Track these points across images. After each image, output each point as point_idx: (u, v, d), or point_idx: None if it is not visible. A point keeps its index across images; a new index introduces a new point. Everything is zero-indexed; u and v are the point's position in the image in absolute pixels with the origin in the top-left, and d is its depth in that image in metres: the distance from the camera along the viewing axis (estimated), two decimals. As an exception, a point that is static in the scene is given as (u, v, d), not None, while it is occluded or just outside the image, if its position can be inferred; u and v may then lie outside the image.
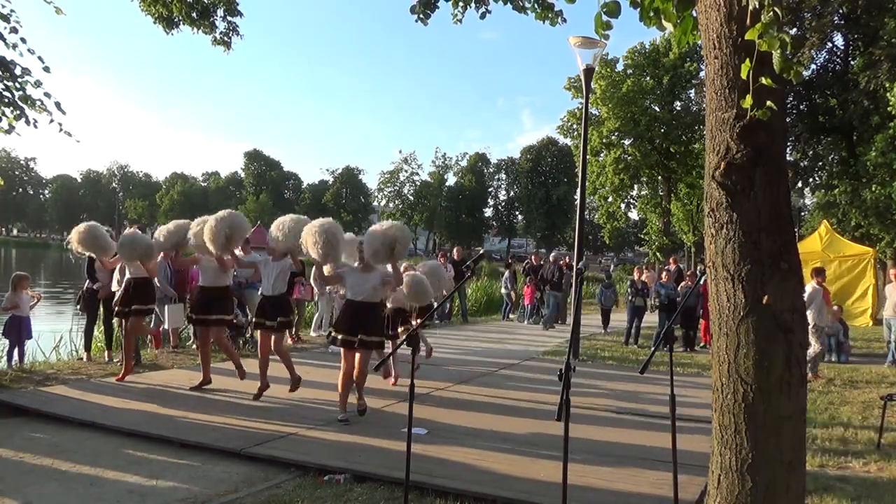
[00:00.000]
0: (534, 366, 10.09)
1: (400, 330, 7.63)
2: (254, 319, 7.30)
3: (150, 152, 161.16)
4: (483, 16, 6.53)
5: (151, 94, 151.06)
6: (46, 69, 6.92)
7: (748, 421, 2.75)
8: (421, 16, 6.47)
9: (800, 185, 27.77)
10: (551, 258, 17.56)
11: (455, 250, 17.75)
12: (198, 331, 7.75)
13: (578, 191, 12.33)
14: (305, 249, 6.58)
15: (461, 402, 7.18)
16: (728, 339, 2.81)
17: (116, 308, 7.62)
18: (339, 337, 6.22)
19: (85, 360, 8.73)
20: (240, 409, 6.39)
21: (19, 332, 8.12)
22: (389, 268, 6.52)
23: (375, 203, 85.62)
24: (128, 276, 7.61)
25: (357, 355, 6.20)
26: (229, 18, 8.12)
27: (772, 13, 2.44)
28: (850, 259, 17.20)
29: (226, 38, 8.18)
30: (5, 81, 6.78)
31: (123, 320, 7.66)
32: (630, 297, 13.23)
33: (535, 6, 6.38)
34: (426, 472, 4.59)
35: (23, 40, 6.78)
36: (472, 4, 6.44)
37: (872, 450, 5.72)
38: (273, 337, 6.83)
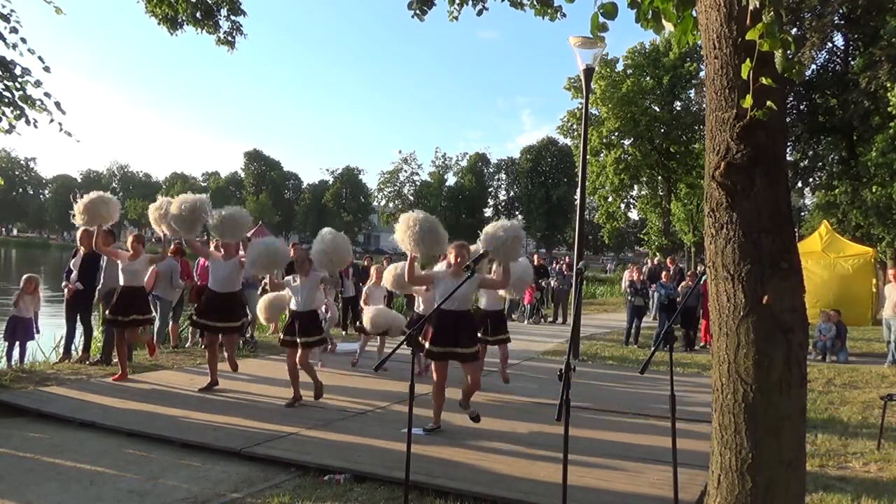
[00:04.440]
0: (534, 366, 10.10)
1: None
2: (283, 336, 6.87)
3: (150, 152, 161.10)
4: (480, 13, 6.49)
5: (151, 94, 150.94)
6: (46, 69, 6.93)
7: (748, 421, 2.74)
8: (417, 11, 6.45)
9: (800, 185, 27.80)
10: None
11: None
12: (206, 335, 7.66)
13: (578, 191, 12.34)
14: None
15: (461, 402, 7.16)
16: (728, 339, 2.81)
17: (111, 316, 7.37)
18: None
19: (84, 361, 8.72)
20: (240, 409, 6.39)
21: (17, 332, 8.14)
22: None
23: (375, 203, 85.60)
24: (122, 283, 7.40)
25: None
26: (233, 18, 8.13)
27: (773, 13, 2.44)
28: (850, 259, 17.18)
29: (229, 38, 8.18)
30: (5, 81, 6.79)
31: (120, 329, 7.45)
32: (630, 297, 13.24)
33: (534, 2, 6.37)
34: (426, 472, 4.59)
35: (23, 40, 6.80)
36: (469, 1, 6.42)
37: (872, 450, 5.71)
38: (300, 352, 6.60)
